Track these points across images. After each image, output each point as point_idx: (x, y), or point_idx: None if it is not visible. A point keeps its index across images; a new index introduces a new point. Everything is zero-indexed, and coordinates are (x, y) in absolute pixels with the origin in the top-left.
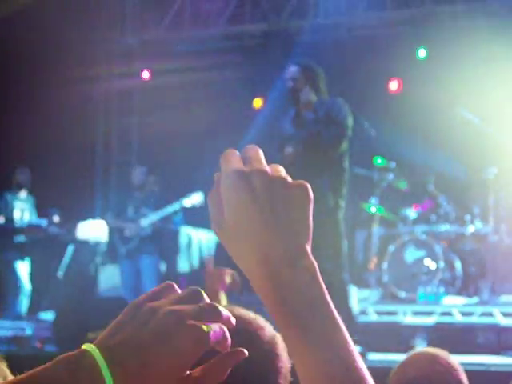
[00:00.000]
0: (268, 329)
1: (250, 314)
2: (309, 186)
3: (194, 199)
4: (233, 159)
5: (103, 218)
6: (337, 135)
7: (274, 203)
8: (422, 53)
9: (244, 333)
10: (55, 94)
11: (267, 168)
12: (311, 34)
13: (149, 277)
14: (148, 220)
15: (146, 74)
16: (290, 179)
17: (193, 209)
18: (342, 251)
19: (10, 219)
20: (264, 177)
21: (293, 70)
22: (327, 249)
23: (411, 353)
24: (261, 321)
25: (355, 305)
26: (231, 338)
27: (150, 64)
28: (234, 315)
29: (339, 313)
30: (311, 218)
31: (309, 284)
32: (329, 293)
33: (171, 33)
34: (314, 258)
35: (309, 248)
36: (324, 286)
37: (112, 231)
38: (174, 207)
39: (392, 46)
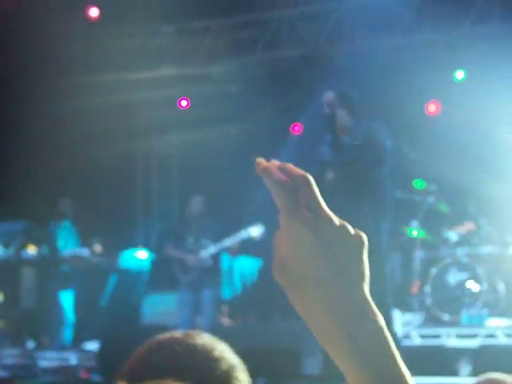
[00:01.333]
0: (225, 361)
1: (207, 345)
2: (365, 236)
3: (254, 232)
4: (286, 193)
5: (163, 248)
6: (377, 158)
7: (341, 253)
8: (460, 74)
9: (198, 366)
10: (95, 124)
11: (330, 213)
12: (348, 57)
13: (207, 310)
14: (208, 251)
15: (184, 103)
16: (349, 227)
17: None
18: (386, 275)
19: (53, 249)
20: (331, 225)
21: (328, 95)
22: (370, 273)
23: (480, 379)
24: (218, 351)
25: (399, 329)
26: (185, 371)
27: (187, 92)
28: (188, 344)
29: None
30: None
31: (379, 334)
32: None
33: (208, 60)
34: None
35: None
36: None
37: (171, 260)
38: (233, 239)
39: (430, 69)
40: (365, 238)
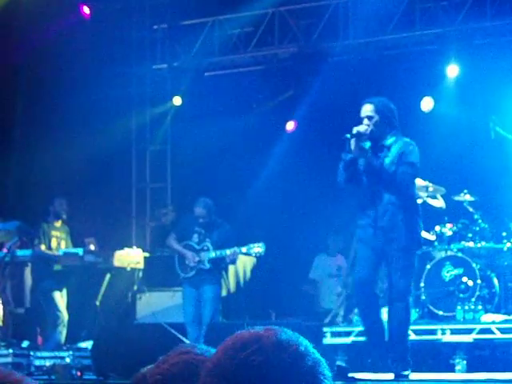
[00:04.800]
0: (310, 356)
1: (292, 340)
2: None
3: (256, 249)
4: None
5: (168, 238)
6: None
7: None
8: (452, 70)
9: (284, 361)
10: (90, 124)
11: None
12: (341, 54)
13: (208, 306)
14: (208, 255)
15: (177, 99)
16: None
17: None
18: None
19: (47, 249)
20: None
21: (367, 108)
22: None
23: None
24: (303, 347)
25: None
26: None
27: (181, 90)
28: (274, 340)
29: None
30: None
31: None
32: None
33: (201, 58)
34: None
35: None
36: None
37: (166, 258)
38: (234, 251)
39: (422, 65)
40: None
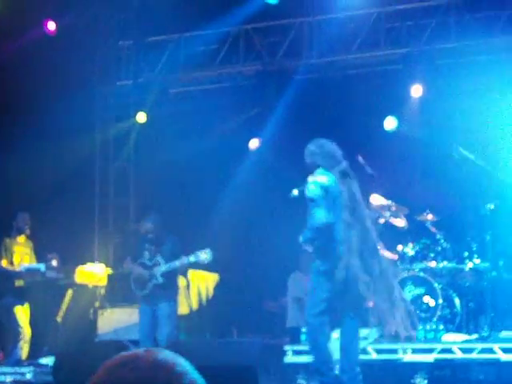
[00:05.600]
0: (187, 376)
1: (169, 360)
2: None
3: (202, 256)
4: None
5: (124, 261)
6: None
7: None
8: (416, 90)
9: (160, 381)
10: (53, 140)
11: None
12: (305, 73)
13: (164, 323)
14: (160, 269)
15: (141, 116)
16: None
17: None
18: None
19: (9, 264)
20: None
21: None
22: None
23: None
24: (180, 367)
25: None
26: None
27: (145, 106)
28: (151, 360)
29: None
30: None
31: None
32: None
33: (166, 75)
34: None
35: None
36: None
37: (130, 274)
38: (182, 261)
39: (387, 85)
40: None
